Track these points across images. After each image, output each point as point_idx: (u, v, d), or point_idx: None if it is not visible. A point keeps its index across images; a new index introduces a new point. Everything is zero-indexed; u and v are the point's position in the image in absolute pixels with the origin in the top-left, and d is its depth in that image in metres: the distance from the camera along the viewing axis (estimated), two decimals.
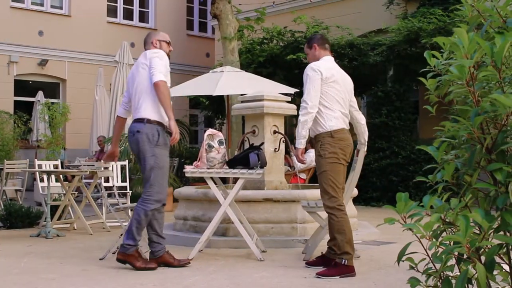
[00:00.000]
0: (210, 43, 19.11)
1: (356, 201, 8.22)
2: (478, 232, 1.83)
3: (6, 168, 9.11)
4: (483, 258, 1.86)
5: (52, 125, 13.64)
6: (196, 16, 20.43)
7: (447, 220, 1.92)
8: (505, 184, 1.76)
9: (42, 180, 7.81)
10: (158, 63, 4.69)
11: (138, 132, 4.72)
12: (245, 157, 5.19)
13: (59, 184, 7.64)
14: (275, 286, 4.15)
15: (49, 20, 16.83)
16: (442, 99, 2.19)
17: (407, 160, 10.60)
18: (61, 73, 17.02)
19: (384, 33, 12.02)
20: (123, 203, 6.96)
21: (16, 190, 9.98)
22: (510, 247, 1.85)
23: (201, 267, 4.81)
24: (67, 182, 8.27)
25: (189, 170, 5.31)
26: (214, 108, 14.76)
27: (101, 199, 8.71)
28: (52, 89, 17.15)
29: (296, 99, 9.62)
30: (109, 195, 8.07)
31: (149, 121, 4.72)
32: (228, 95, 10.52)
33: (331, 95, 4.65)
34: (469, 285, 1.96)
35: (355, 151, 5.14)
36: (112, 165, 8.11)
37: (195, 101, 16.93)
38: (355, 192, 6.17)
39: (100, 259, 5.18)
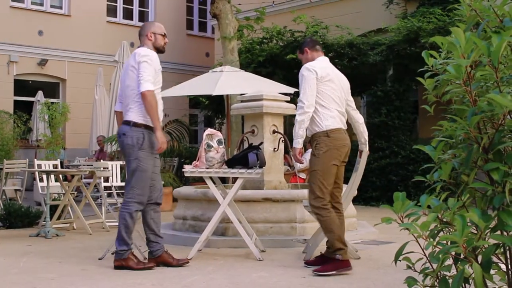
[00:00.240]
0: (210, 42, 19.11)
1: (356, 200, 8.20)
2: (475, 231, 1.83)
3: (6, 168, 9.11)
4: (480, 258, 1.86)
5: (51, 125, 13.63)
6: (196, 16, 20.42)
7: (444, 219, 1.92)
8: (501, 184, 1.76)
9: (41, 180, 7.81)
10: (146, 70, 4.64)
11: (123, 135, 4.76)
12: (244, 157, 5.20)
13: (58, 184, 7.64)
14: (274, 286, 4.15)
15: (49, 20, 16.83)
16: (440, 98, 2.19)
17: (406, 160, 10.60)
18: (61, 73, 17.02)
19: (384, 32, 12.02)
20: (121, 203, 6.94)
21: (16, 190, 9.99)
22: (507, 247, 1.85)
23: (200, 267, 4.81)
24: (66, 182, 8.28)
25: (188, 169, 5.32)
26: (213, 108, 14.76)
27: (100, 199, 8.71)
28: (52, 88, 17.15)
29: (295, 98, 9.60)
30: (109, 195, 8.07)
31: (135, 124, 4.72)
32: (227, 95, 10.51)
33: (327, 94, 4.67)
34: (467, 284, 1.96)
35: (358, 152, 5.16)
36: (111, 165, 8.12)
37: (195, 101, 16.93)
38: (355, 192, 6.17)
39: (99, 259, 5.18)
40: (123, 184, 8.35)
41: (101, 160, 10.47)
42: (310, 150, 9.00)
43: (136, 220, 4.83)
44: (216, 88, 8.97)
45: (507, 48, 1.93)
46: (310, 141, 4.79)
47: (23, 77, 16.55)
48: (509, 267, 1.89)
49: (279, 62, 12.17)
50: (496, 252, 1.89)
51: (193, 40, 19.82)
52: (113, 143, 11.24)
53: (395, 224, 2.01)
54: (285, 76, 11.85)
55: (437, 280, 1.92)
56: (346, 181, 5.39)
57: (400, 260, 1.99)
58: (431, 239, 1.86)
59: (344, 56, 11.72)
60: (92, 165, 9.55)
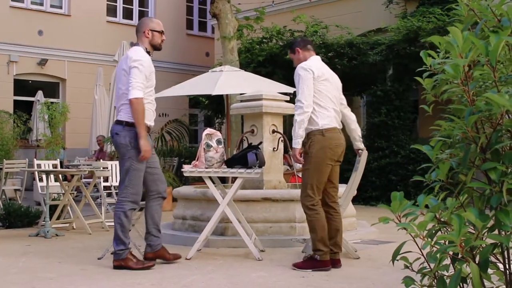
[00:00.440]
0: (210, 42, 19.11)
1: (355, 200, 8.19)
2: (473, 231, 1.82)
3: (6, 168, 9.11)
4: (478, 257, 1.86)
5: (51, 125, 13.63)
6: (195, 16, 20.42)
7: (442, 219, 1.91)
8: (499, 183, 1.76)
9: (41, 179, 7.81)
10: (136, 76, 4.62)
11: (116, 134, 4.77)
12: (243, 157, 5.19)
13: (58, 183, 7.64)
14: (273, 286, 4.15)
15: (49, 20, 16.83)
16: (438, 98, 2.19)
17: (406, 160, 10.60)
18: (61, 73, 17.02)
19: (384, 32, 12.02)
20: (116, 203, 6.94)
21: (16, 190, 9.98)
22: (505, 246, 1.85)
23: (199, 267, 4.81)
24: (66, 182, 8.27)
25: (187, 169, 5.32)
26: (213, 108, 14.76)
27: (100, 199, 8.71)
28: (52, 88, 17.15)
29: (295, 98, 9.61)
30: (108, 195, 8.07)
31: (127, 123, 4.72)
32: (227, 95, 10.51)
33: (324, 93, 4.69)
34: (464, 284, 1.96)
35: (358, 151, 5.17)
36: (111, 165, 8.11)
37: (194, 101, 16.93)
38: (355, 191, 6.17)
39: (99, 259, 5.18)
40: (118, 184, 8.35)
41: (101, 160, 10.47)
42: None
43: (131, 219, 4.84)
44: (215, 88, 8.97)
45: (505, 48, 1.93)
46: (305, 139, 4.77)
47: (23, 77, 16.55)
48: (507, 266, 1.89)
49: (278, 61, 12.17)
50: (495, 252, 1.89)
51: (193, 40, 19.83)
52: None
53: (394, 223, 2.01)
54: (284, 75, 11.84)
55: (435, 280, 1.92)
56: (346, 180, 5.40)
57: (397, 260, 1.99)
58: (429, 239, 1.86)
59: (344, 56, 11.71)
60: (91, 165, 9.54)
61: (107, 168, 7.87)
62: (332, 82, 4.80)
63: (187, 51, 19.17)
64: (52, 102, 14.48)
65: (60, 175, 7.42)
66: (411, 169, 10.30)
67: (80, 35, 17.05)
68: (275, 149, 6.56)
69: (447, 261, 1.91)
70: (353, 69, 11.66)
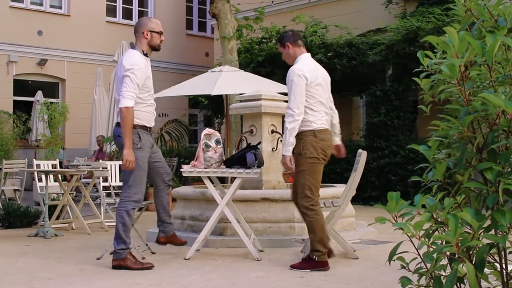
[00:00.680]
0: (210, 42, 19.11)
1: (355, 200, 8.20)
2: (470, 231, 1.83)
3: (5, 168, 9.11)
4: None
5: (51, 125, 13.64)
6: (195, 16, 20.42)
7: (439, 219, 1.92)
8: (495, 183, 1.76)
9: (40, 180, 7.82)
10: (127, 86, 4.65)
11: (119, 136, 4.81)
12: (242, 157, 5.19)
13: (57, 183, 7.64)
14: (272, 286, 4.16)
15: (48, 20, 16.83)
16: (435, 98, 2.19)
17: (405, 160, 10.60)
18: (60, 73, 17.02)
19: (383, 32, 12.01)
20: (119, 202, 6.95)
21: (15, 190, 9.98)
22: (501, 247, 1.85)
23: (198, 267, 4.81)
24: (66, 182, 8.27)
25: (186, 169, 5.32)
26: (213, 108, 14.76)
27: (99, 199, 8.71)
28: (51, 88, 17.15)
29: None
30: (108, 195, 8.07)
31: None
32: (226, 95, 10.51)
33: (316, 98, 4.73)
34: (461, 284, 1.96)
35: (357, 152, 5.20)
36: (110, 165, 8.12)
37: (194, 101, 16.92)
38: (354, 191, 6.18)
39: (98, 259, 5.18)
40: (121, 184, 8.36)
41: (100, 160, 10.47)
42: None
43: (134, 218, 4.87)
44: (215, 88, 8.97)
45: (502, 48, 1.93)
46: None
47: (22, 77, 16.55)
48: (503, 266, 1.89)
49: (278, 61, 12.14)
50: (491, 252, 1.89)
51: (192, 40, 19.83)
52: (112, 143, 11.24)
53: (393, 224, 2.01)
54: (284, 76, 11.69)
55: (432, 280, 1.92)
56: (345, 180, 5.40)
57: (394, 260, 1.99)
58: (424, 239, 1.86)
59: (343, 56, 11.71)
60: (90, 165, 9.54)
61: (106, 168, 7.87)
62: (324, 86, 4.83)
63: (187, 51, 19.17)
64: (51, 102, 14.49)
65: (59, 175, 7.42)
66: (411, 169, 10.30)
67: (80, 35, 17.05)
68: (274, 149, 6.56)
69: (444, 261, 1.91)
70: (353, 69, 11.66)
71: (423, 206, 1.95)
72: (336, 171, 11.60)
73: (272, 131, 6.56)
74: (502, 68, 2.00)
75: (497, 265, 1.98)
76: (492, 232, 1.81)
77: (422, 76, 2.21)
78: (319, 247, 4.64)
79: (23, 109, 15.58)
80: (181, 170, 5.40)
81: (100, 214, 7.75)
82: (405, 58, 10.83)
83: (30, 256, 5.48)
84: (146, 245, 5.57)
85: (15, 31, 15.99)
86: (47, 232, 6.69)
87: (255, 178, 5.52)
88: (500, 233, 1.78)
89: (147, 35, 4.87)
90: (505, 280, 1.88)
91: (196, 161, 5.31)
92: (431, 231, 1.93)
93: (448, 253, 1.84)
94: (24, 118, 14.56)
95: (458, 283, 1.93)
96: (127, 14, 18.74)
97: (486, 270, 1.92)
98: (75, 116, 15.49)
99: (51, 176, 7.73)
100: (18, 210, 7.69)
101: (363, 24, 13.18)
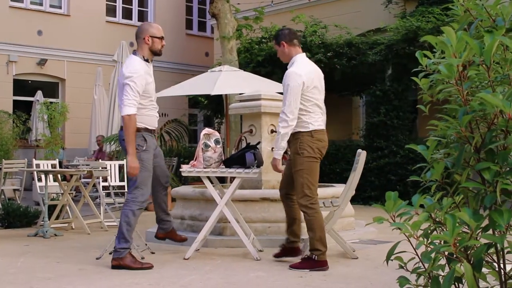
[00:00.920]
0: (209, 42, 19.11)
1: (355, 200, 8.21)
2: (468, 231, 1.82)
3: (5, 168, 9.11)
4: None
5: (51, 125, 13.63)
6: (195, 16, 20.42)
7: (437, 219, 1.92)
8: (493, 183, 1.76)
9: (40, 179, 7.82)
10: (128, 94, 4.72)
11: (123, 140, 4.88)
12: (241, 157, 5.20)
13: (57, 183, 7.64)
14: (271, 286, 4.16)
15: (48, 20, 16.83)
16: (433, 98, 2.19)
17: (405, 159, 10.60)
18: (60, 73, 17.02)
19: (383, 32, 12.02)
20: (119, 203, 6.96)
21: (15, 190, 9.98)
22: (499, 247, 1.85)
23: (198, 267, 4.81)
24: (65, 182, 8.27)
25: (186, 169, 5.32)
26: (213, 108, 14.76)
27: (99, 199, 8.71)
28: (51, 88, 17.15)
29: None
30: (107, 195, 8.07)
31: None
32: (226, 95, 10.51)
33: (313, 102, 4.78)
34: (460, 284, 1.96)
35: (357, 152, 5.21)
36: (110, 165, 8.12)
37: (194, 100, 16.93)
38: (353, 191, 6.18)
39: (97, 259, 5.18)
40: (121, 183, 8.37)
41: (100, 160, 10.47)
42: None
43: (138, 218, 4.91)
44: (215, 88, 8.97)
45: (501, 48, 1.93)
46: (291, 138, 4.80)
47: (22, 77, 16.55)
48: (501, 266, 1.89)
49: (278, 61, 12.05)
50: (490, 252, 1.89)
51: (192, 40, 19.83)
52: (112, 142, 11.24)
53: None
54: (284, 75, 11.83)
55: (430, 280, 1.92)
56: (345, 180, 5.40)
57: (392, 260, 2.00)
58: (422, 239, 1.86)
59: (343, 56, 11.71)
60: (89, 165, 9.54)
61: (106, 168, 7.87)
62: (320, 88, 4.87)
63: (187, 51, 19.17)
64: (51, 102, 14.48)
65: (59, 175, 7.42)
66: (410, 169, 10.29)
67: (80, 35, 17.05)
68: (273, 149, 6.55)
69: (443, 261, 1.91)
70: (352, 69, 11.67)
71: (422, 206, 1.95)
72: (336, 171, 11.61)
73: (272, 131, 6.55)
74: (500, 68, 2.00)
75: (496, 265, 1.98)
76: (490, 232, 1.81)
77: (420, 76, 2.21)
78: (318, 246, 4.66)
79: (23, 109, 15.58)
80: (181, 170, 5.41)
81: (100, 214, 7.75)
82: (405, 58, 10.83)
83: (30, 256, 5.49)
84: (146, 244, 5.58)
85: (15, 31, 15.99)
86: (46, 232, 6.69)
87: (255, 178, 5.52)
88: (498, 233, 1.78)
89: (148, 40, 4.91)
90: (503, 279, 1.89)
91: (195, 161, 5.31)
92: (429, 231, 1.93)
93: (446, 253, 1.84)
94: (24, 118, 14.56)
95: (456, 283, 1.93)
96: (127, 14, 18.73)
97: (484, 270, 1.92)
98: (75, 116, 15.50)
99: (51, 176, 7.74)
100: (17, 210, 7.70)
101: (362, 24, 13.18)
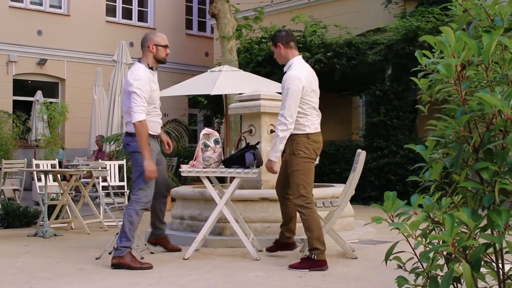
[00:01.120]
0: (209, 42, 19.11)
1: (354, 200, 8.21)
2: (466, 231, 1.82)
3: (4, 168, 9.11)
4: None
5: (50, 125, 13.63)
6: (195, 16, 20.42)
7: (435, 219, 1.92)
8: (491, 183, 1.76)
9: (39, 179, 7.82)
10: (135, 101, 4.83)
11: (127, 145, 5.05)
12: (241, 157, 5.20)
13: (56, 183, 7.64)
14: (271, 286, 4.16)
15: (48, 20, 16.83)
16: (432, 97, 2.19)
17: (405, 159, 10.59)
18: (60, 73, 17.02)
19: (383, 32, 12.01)
20: (118, 203, 6.96)
21: (14, 190, 9.99)
22: (497, 246, 1.85)
23: (197, 266, 4.81)
24: (65, 182, 8.27)
25: (185, 169, 5.32)
26: (212, 108, 14.76)
27: (99, 199, 8.72)
28: (51, 88, 17.15)
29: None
30: (107, 195, 8.07)
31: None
32: (226, 95, 10.51)
33: (311, 105, 4.85)
34: (458, 284, 1.96)
35: (356, 152, 5.23)
36: (109, 165, 8.12)
37: (194, 100, 16.93)
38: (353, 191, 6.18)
39: (96, 259, 5.18)
40: (121, 184, 8.37)
41: (100, 160, 10.46)
42: None
43: (141, 218, 4.97)
44: (214, 88, 8.96)
45: (499, 48, 1.93)
46: (287, 141, 4.85)
47: (22, 77, 16.55)
48: (500, 266, 1.89)
49: (277, 62, 12.14)
50: (488, 252, 1.89)
51: (192, 40, 19.82)
52: (112, 142, 11.23)
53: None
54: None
55: (428, 280, 1.92)
56: (344, 180, 5.40)
57: (390, 260, 2.00)
58: (420, 238, 1.86)
59: (343, 56, 11.71)
60: (88, 165, 9.54)
61: (105, 168, 7.87)
62: (316, 91, 4.93)
63: (187, 51, 19.16)
64: (51, 102, 14.48)
65: (58, 175, 7.41)
66: (410, 169, 10.28)
67: (79, 35, 17.05)
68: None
69: (441, 261, 1.91)
70: (352, 69, 11.66)
71: (420, 206, 1.95)
72: (335, 171, 11.61)
73: (271, 131, 6.55)
74: (499, 68, 2.00)
75: (494, 264, 1.98)
76: (489, 231, 1.81)
77: (420, 75, 2.21)
78: (317, 245, 4.67)
79: (22, 109, 15.58)
80: (180, 170, 5.41)
81: (99, 214, 7.76)
82: (405, 58, 10.83)
83: (29, 256, 5.49)
84: (145, 244, 5.58)
85: (15, 31, 15.99)
86: (46, 232, 6.69)
87: (254, 178, 5.52)
88: (497, 232, 1.78)
89: (153, 48, 5.03)
90: (501, 279, 1.88)
91: (195, 161, 5.31)
92: (427, 231, 1.93)
93: (444, 253, 1.84)
94: (23, 118, 14.55)
95: (455, 283, 1.93)
96: (127, 14, 18.73)
97: (483, 269, 1.92)
98: (75, 116, 15.49)
99: (51, 176, 7.74)
100: (17, 210, 7.70)
101: (362, 24, 13.18)
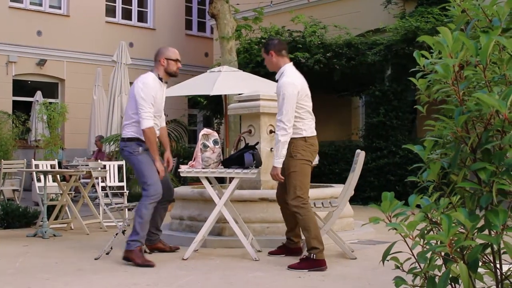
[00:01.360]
0: (209, 42, 19.10)
1: (354, 200, 8.22)
2: (464, 231, 1.82)
3: (4, 168, 9.11)
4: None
5: (50, 125, 13.63)
6: (194, 16, 20.42)
7: (433, 219, 1.92)
8: (489, 184, 1.76)
9: (39, 180, 7.82)
10: (143, 107, 5.06)
11: (121, 149, 5.31)
12: (240, 157, 5.20)
13: (56, 184, 7.64)
14: (270, 286, 4.16)
15: (48, 20, 16.83)
16: (429, 98, 2.19)
17: (404, 160, 10.59)
18: (60, 73, 17.02)
19: (382, 32, 12.02)
20: (117, 203, 6.96)
21: (14, 190, 9.98)
22: (495, 247, 1.85)
23: (196, 267, 4.81)
24: (64, 182, 8.27)
25: (184, 170, 5.32)
26: (212, 108, 14.76)
27: (98, 199, 8.72)
28: (51, 89, 17.15)
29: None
30: (106, 195, 8.06)
31: (129, 139, 5.21)
32: (225, 95, 10.50)
33: (306, 109, 4.94)
34: (456, 284, 1.96)
35: (355, 153, 5.24)
36: (109, 165, 8.12)
37: (193, 101, 16.92)
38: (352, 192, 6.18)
39: (96, 259, 5.18)
40: (120, 184, 8.37)
41: (99, 160, 10.46)
42: None
43: (151, 212, 5.07)
44: (214, 88, 8.96)
45: (497, 48, 1.93)
46: None
47: (21, 77, 16.55)
48: (498, 267, 1.89)
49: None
50: (486, 252, 1.89)
51: (192, 40, 19.82)
52: (111, 143, 11.24)
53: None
54: None
55: (426, 280, 1.92)
56: (343, 181, 5.40)
57: (388, 260, 2.00)
58: (417, 239, 1.86)
59: (342, 56, 11.72)
60: (87, 165, 9.54)
61: (105, 168, 7.87)
62: (309, 96, 5.02)
63: (186, 51, 19.10)
64: (50, 103, 14.47)
65: (58, 176, 7.41)
66: (409, 170, 10.27)
67: (79, 35, 17.05)
68: (272, 149, 6.55)
69: (439, 261, 1.91)
70: (352, 69, 11.66)
71: (418, 206, 1.95)
72: (335, 171, 11.61)
73: (271, 131, 6.55)
74: (497, 68, 2.00)
75: (492, 265, 1.98)
76: (486, 232, 1.81)
77: (418, 76, 2.21)
78: (315, 244, 4.69)
79: (22, 109, 15.57)
80: (179, 170, 5.41)
81: (99, 214, 7.75)
82: (404, 58, 10.84)
83: (29, 256, 5.49)
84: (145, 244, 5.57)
85: (15, 31, 15.99)
86: (45, 232, 6.69)
87: (253, 178, 5.52)
88: (494, 233, 1.78)
89: (164, 62, 5.30)
90: (499, 280, 1.89)
91: (194, 161, 5.31)
92: (425, 231, 1.93)
93: (442, 253, 1.84)
94: (23, 118, 14.55)
95: (453, 283, 1.93)
96: (127, 14, 18.72)
97: (481, 270, 1.92)
98: (74, 116, 15.49)
99: (50, 176, 7.74)
100: (17, 210, 7.70)
101: (362, 24, 13.18)
